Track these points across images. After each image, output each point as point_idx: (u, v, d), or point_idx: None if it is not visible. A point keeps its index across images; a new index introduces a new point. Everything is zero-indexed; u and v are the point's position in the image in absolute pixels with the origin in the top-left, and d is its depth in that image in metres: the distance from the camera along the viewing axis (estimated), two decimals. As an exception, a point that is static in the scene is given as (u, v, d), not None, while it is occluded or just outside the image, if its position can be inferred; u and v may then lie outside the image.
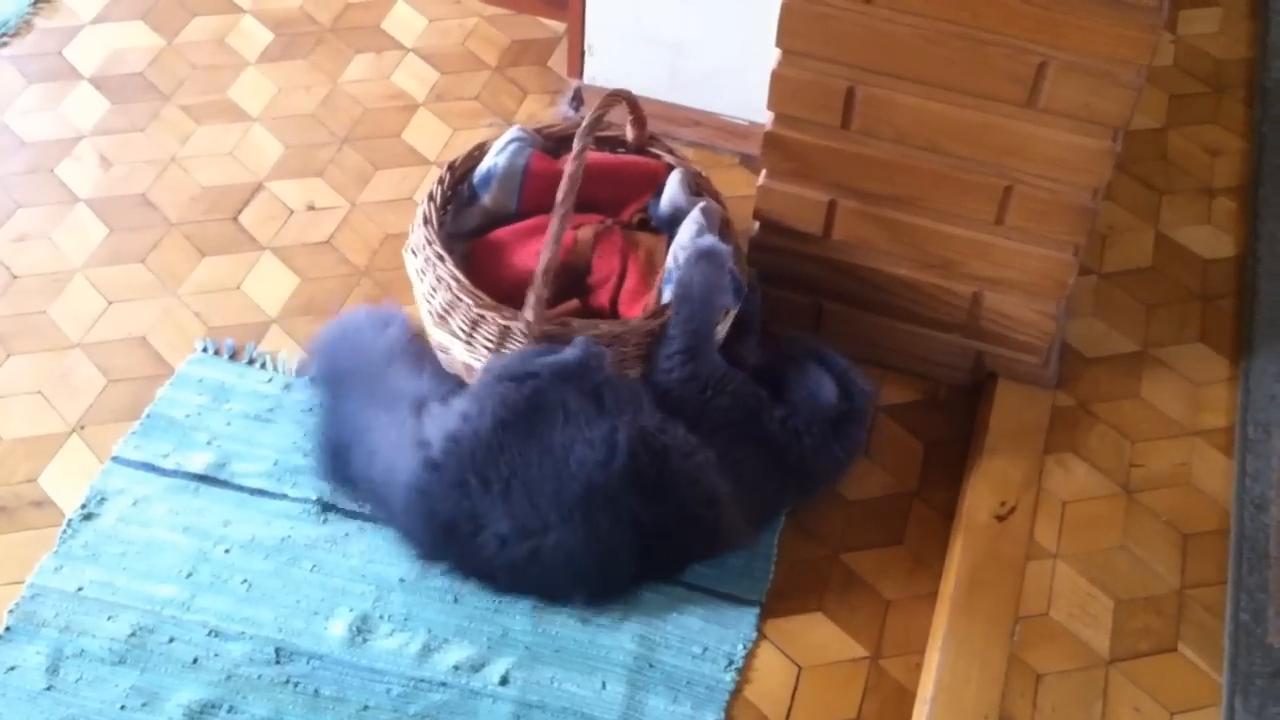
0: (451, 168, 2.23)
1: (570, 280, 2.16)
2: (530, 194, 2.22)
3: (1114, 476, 2.18)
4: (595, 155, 2.22)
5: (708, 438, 2.00)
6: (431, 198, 2.17)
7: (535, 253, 2.05)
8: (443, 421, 1.97)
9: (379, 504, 2.05)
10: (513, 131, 2.26)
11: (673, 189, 2.22)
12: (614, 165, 2.27)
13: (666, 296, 2.06)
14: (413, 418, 2.01)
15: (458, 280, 2.03)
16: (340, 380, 2.13)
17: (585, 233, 2.20)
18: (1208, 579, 2.07)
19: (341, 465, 2.08)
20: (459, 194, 2.25)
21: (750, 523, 2.06)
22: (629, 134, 2.30)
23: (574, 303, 2.13)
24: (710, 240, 2.06)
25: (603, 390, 1.97)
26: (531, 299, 1.99)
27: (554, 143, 2.29)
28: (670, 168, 2.27)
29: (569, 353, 1.97)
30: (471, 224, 2.23)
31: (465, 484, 1.93)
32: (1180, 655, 1.99)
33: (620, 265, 2.17)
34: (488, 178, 2.22)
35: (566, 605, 2.00)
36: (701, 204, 2.17)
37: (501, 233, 2.20)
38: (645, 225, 2.26)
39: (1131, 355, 2.36)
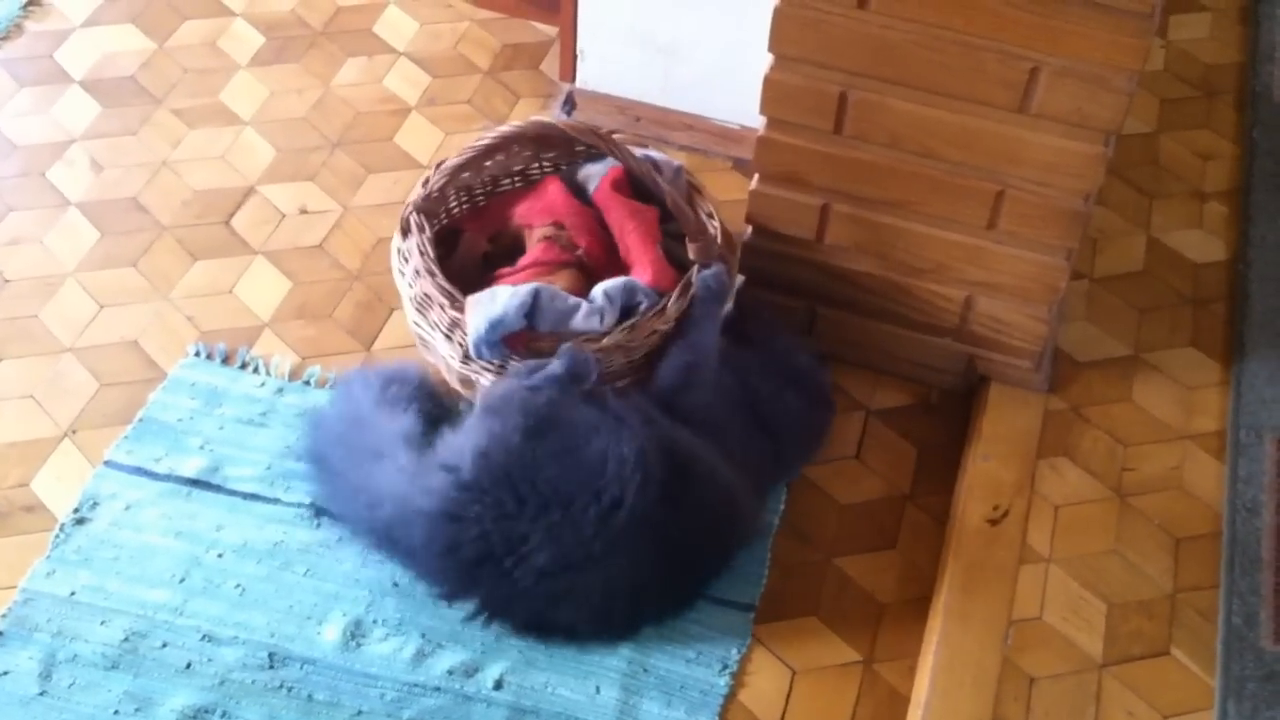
0: (438, 168, 2.21)
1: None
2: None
3: (1106, 480, 2.19)
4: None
5: (710, 436, 2.00)
6: (423, 252, 2.13)
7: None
8: (466, 440, 1.91)
9: (393, 546, 1.97)
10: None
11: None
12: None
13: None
14: (409, 452, 1.95)
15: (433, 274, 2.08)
16: (325, 454, 2.08)
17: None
18: (1200, 583, 2.07)
19: (355, 518, 2.01)
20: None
21: (755, 512, 2.08)
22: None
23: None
24: (714, 272, 2.07)
25: (613, 403, 1.97)
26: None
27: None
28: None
29: (556, 364, 1.97)
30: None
31: (501, 504, 1.87)
32: (1173, 659, 1.99)
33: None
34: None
35: (600, 641, 1.97)
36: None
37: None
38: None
39: (1123, 359, 2.36)
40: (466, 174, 2.26)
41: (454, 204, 2.32)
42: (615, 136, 2.27)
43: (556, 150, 2.33)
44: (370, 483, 1.98)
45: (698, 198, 2.23)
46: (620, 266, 2.18)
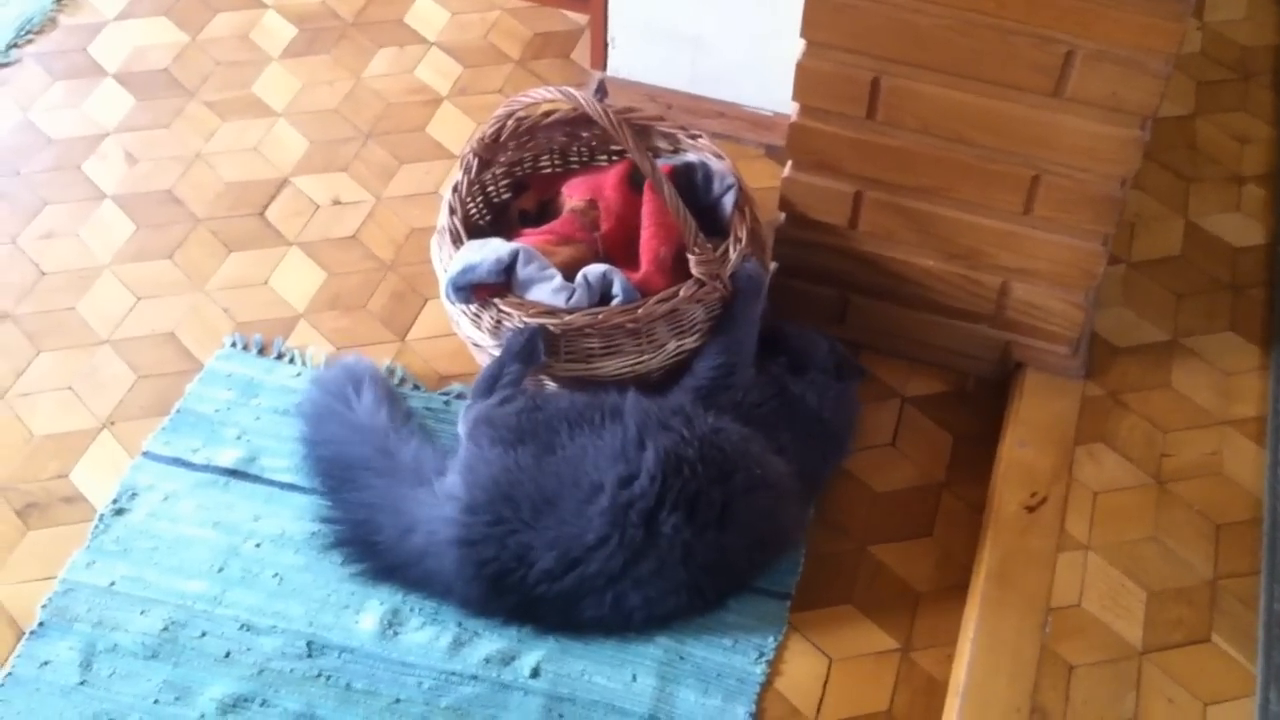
0: (475, 153, 2.22)
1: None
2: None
3: (1145, 467, 2.17)
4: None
5: (766, 436, 1.99)
6: (456, 189, 2.18)
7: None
8: (457, 470, 1.96)
9: (429, 578, 1.97)
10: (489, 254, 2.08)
11: None
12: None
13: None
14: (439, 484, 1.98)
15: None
16: (347, 465, 2.06)
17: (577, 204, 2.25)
18: (1240, 569, 2.05)
19: (375, 555, 2.00)
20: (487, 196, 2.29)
21: (803, 514, 2.07)
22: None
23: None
24: (752, 266, 2.06)
25: (615, 398, 1.98)
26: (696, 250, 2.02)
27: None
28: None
29: (510, 366, 2.01)
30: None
31: (502, 519, 1.90)
32: (1213, 646, 1.98)
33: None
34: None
35: (618, 637, 1.97)
36: None
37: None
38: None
39: (1161, 345, 2.34)
40: (536, 131, 2.30)
41: (545, 164, 2.37)
42: (662, 128, 2.28)
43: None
44: (402, 512, 1.98)
45: (738, 216, 2.14)
46: (636, 259, 2.17)
